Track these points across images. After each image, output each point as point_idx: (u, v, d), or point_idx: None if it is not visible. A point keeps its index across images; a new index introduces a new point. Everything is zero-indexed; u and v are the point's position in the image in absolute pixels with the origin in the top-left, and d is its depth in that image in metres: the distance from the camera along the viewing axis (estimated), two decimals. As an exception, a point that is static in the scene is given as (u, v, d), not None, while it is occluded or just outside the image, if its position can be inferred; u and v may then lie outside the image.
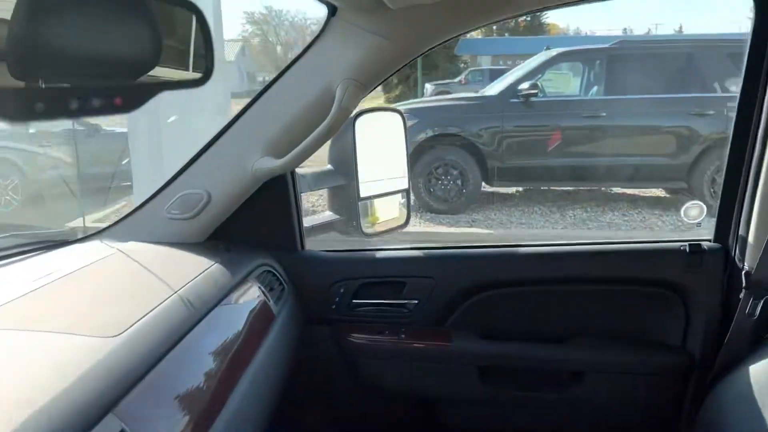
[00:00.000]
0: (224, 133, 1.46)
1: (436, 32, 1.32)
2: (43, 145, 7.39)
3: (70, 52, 0.61)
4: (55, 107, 0.47)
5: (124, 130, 6.01)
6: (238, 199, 1.48)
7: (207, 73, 0.60)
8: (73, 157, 6.81)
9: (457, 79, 18.68)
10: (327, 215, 1.91)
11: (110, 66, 0.65)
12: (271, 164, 1.40)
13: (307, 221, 1.71)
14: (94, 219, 5.60)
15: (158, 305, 1.05)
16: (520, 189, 7.69)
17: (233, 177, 1.45)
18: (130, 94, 0.52)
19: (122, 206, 6.06)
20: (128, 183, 5.51)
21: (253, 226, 1.54)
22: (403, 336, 1.57)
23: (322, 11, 1.34)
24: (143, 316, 0.99)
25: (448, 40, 1.37)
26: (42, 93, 0.49)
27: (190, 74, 0.60)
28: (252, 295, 1.35)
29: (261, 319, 1.33)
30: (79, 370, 0.81)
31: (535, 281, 1.58)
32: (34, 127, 7.47)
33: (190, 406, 0.92)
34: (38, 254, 1.35)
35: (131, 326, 0.95)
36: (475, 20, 1.31)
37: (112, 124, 7.93)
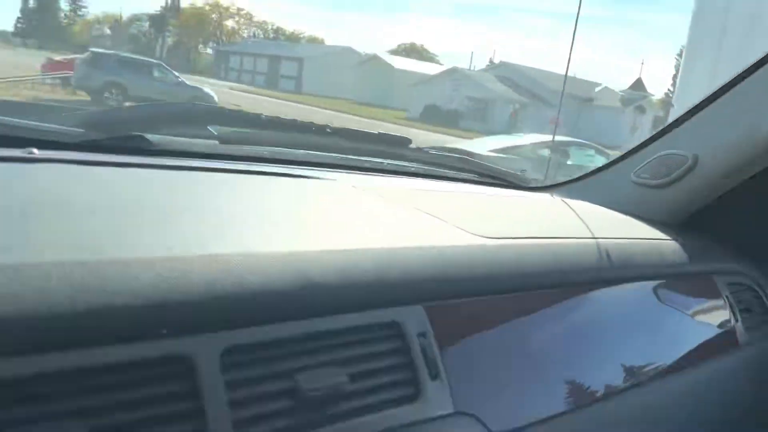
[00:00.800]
0: (738, 82, 1.04)
1: None
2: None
3: None
4: None
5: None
6: (736, 172, 1.05)
7: None
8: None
9: None
10: None
11: None
12: None
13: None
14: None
15: (561, 238, 0.77)
16: None
17: (737, 139, 1.03)
18: None
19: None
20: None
21: (747, 221, 1.08)
22: None
23: None
24: (533, 237, 0.73)
25: None
26: None
27: None
28: (713, 301, 0.92)
29: (716, 337, 0.89)
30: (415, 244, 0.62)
31: None
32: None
33: (531, 371, 0.63)
34: (479, 185, 1.23)
35: (511, 238, 0.71)
36: None
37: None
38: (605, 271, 0.79)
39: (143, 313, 0.42)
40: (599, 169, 1.24)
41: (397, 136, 1.19)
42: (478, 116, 25.34)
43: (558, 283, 0.74)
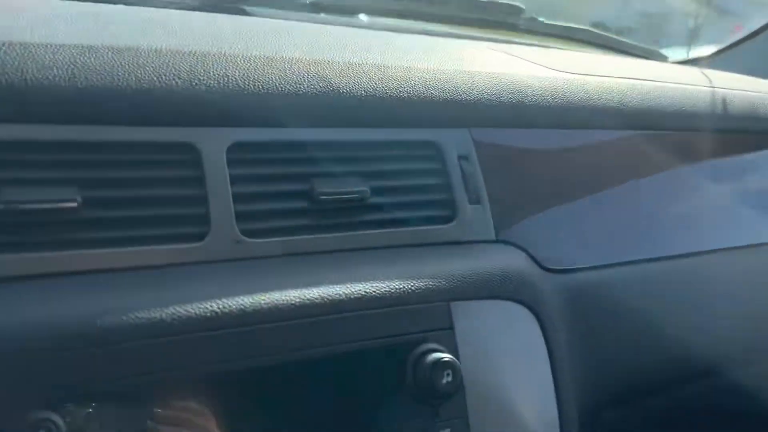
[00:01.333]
0: None
1: None
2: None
3: None
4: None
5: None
6: None
7: None
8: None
9: None
10: None
11: None
12: None
13: None
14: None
15: (658, 81, 0.67)
16: None
17: None
18: None
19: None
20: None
21: None
22: None
23: None
24: (619, 76, 0.65)
25: None
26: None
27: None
28: None
29: None
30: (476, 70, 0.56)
31: None
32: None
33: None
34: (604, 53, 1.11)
35: (589, 75, 0.62)
36: None
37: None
38: (714, 119, 0.67)
39: (147, 99, 0.42)
40: (749, 36, 1.06)
41: (506, 3, 1.09)
42: (651, 32, 23.14)
43: (643, 125, 0.64)
